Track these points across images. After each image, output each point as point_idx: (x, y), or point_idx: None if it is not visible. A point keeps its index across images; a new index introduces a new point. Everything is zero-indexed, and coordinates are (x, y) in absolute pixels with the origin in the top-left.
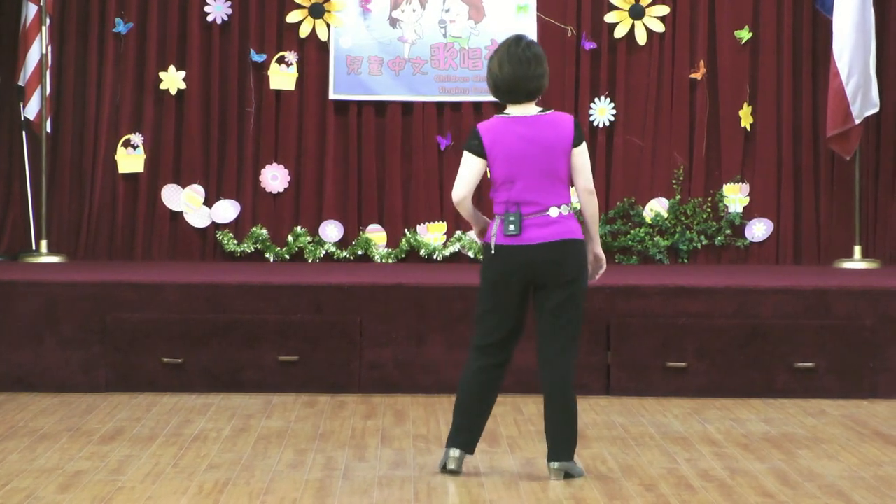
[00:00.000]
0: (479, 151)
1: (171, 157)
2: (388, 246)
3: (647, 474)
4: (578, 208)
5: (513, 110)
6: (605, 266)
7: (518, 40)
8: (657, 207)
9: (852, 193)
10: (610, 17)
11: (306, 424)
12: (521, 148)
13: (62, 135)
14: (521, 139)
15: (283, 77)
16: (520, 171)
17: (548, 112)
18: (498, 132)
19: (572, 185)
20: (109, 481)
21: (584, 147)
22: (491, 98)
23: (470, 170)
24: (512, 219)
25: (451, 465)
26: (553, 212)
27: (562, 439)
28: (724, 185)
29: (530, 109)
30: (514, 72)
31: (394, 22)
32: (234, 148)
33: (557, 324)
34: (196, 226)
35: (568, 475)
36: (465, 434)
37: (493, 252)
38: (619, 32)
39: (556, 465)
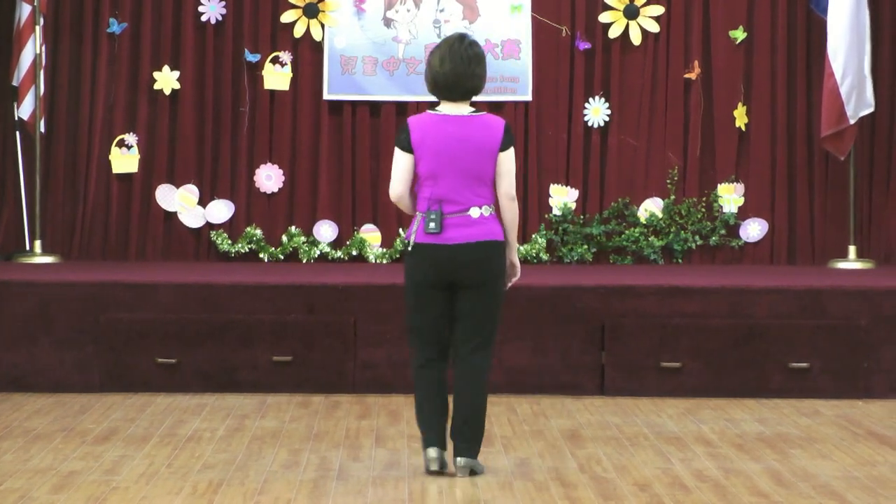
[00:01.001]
0: (407, 146)
1: (166, 157)
2: (382, 246)
3: (642, 474)
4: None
5: (445, 108)
6: (518, 274)
7: (461, 38)
8: (652, 207)
9: (847, 193)
10: (604, 17)
11: (300, 424)
12: (449, 146)
13: (56, 135)
14: (450, 138)
15: (277, 77)
16: (445, 169)
17: (480, 113)
18: (427, 128)
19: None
20: (103, 481)
21: (511, 152)
22: (487, 98)
23: (400, 165)
24: (433, 217)
25: (433, 466)
26: (474, 212)
27: (469, 437)
28: (719, 185)
29: (463, 109)
30: (455, 68)
31: (388, 22)
32: (228, 148)
33: (474, 324)
34: (190, 226)
35: (473, 472)
36: (434, 431)
37: (411, 249)
38: (614, 32)
39: (461, 461)
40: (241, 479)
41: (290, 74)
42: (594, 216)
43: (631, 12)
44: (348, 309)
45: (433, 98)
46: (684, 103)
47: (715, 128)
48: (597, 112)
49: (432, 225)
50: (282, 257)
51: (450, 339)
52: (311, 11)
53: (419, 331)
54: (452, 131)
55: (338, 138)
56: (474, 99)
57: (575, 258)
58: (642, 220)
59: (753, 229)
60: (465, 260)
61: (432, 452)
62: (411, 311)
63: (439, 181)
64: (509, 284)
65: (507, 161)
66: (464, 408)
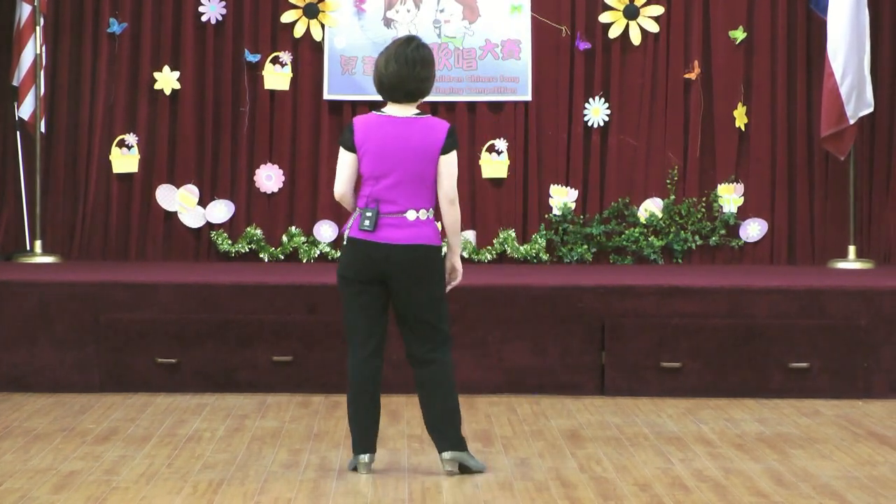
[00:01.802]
0: (350, 146)
1: (166, 157)
2: None
3: (642, 474)
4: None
5: (390, 109)
6: (459, 278)
7: (409, 40)
8: (651, 207)
9: (846, 193)
10: (604, 17)
11: (300, 424)
12: (390, 147)
13: (56, 135)
14: (392, 138)
15: (277, 77)
16: (386, 169)
17: (424, 116)
18: (370, 128)
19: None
20: (103, 481)
21: (453, 156)
22: (485, 98)
23: (344, 164)
24: (368, 214)
25: (363, 471)
26: (410, 215)
27: (447, 429)
28: (719, 185)
29: (408, 111)
30: (399, 70)
31: (388, 22)
32: (229, 148)
33: (413, 324)
34: (190, 226)
35: (464, 468)
36: (366, 435)
37: (345, 243)
38: (614, 32)
39: (447, 455)
40: (241, 479)
41: (291, 74)
42: (594, 216)
43: (631, 12)
44: None
45: (431, 98)
46: (684, 103)
47: (715, 128)
48: (597, 112)
49: (367, 223)
50: (282, 257)
51: (384, 338)
52: (312, 11)
53: (354, 328)
54: (394, 132)
55: (338, 138)
56: (470, 98)
57: (575, 258)
58: (642, 220)
59: (753, 229)
60: (396, 260)
61: (364, 458)
62: (345, 307)
63: (380, 181)
64: (449, 287)
65: (448, 164)
66: (433, 412)
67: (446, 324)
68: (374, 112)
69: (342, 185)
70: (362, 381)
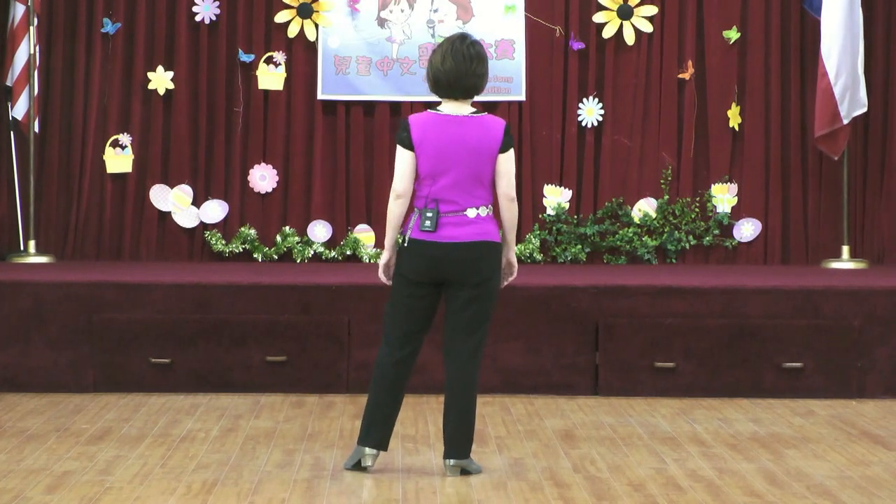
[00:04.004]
0: (408, 144)
1: (160, 157)
2: (376, 246)
3: (636, 474)
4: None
5: (446, 107)
6: (515, 273)
7: (463, 37)
8: (645, 207)
9: (840, 193)
10: (598, 17)
11: (294, 425)
12: (448, 146)
13: (50, 135)
14: (450, 137)
15: (271, 77)
16: (444, 168)
17: (481, 114)
18: (427, 127)
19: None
20: (97, 482)
21: (510, 154)
22: (480, 98)
23: (403, 163)
24: (429, 215)
25: (368, 462)
26: (471, 212)
27: (459, 437)
28: (713, 185)
29: (464, 109)
30: (457, 67)
31: (382, 22)
32: (222, 148)
33: (465, 322)
34: (184, 226)
35: (464, 471)
36: (379, 431)
37: (406, 245)
38: (608, 32)
39: (451, 462)
40: (235, 480)
41: (284, 74)
42: (588, 216)
43: (625, 12)
44: (342, 309)
45: (427, 98)
46: (678, 103)
47: (709, 128)
48: (590, 112)
49: (428, 223)
50: (276, 257)
51: (422, 340)
52: (305, 11)
53: (395, 328)
54: (452, 131)
55: (332, 138)
56: (474, 98)
57: (569, 258)
58: (636, 220)
59: (747, 229)
60: (458, 258)
61: (371, 451)
62: (394, 307)
63: (437, 180)
64: (505, 283)
65: (507, 162)
66: (456, 412)
67: (488, 327)
68: (429, 110)
69: (404, 183)
70: (389, 379)
